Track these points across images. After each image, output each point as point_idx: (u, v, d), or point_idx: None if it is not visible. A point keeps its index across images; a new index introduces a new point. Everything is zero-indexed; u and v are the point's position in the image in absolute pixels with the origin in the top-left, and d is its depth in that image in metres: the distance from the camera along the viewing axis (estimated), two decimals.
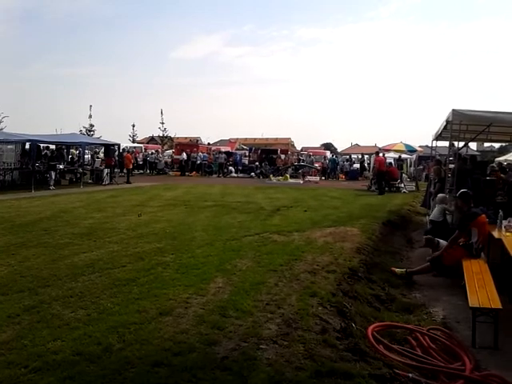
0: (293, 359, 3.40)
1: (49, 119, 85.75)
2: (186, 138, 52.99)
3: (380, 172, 19.24)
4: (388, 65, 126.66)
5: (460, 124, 9.41)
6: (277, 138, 66.94)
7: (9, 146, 22.17)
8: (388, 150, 24.86)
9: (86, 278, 5.39)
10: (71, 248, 7.05)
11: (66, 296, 4.73)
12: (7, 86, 76.39)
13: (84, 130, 41.90)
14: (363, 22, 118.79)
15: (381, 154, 21.57)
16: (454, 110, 8.14)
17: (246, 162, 34.88)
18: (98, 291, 4.90)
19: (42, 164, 20.80)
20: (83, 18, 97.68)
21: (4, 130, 29.83)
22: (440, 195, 9.30)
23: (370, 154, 34.77)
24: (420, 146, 27.47)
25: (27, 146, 21.18)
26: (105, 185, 21.63)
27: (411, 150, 25.81)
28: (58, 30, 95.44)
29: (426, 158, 23.86)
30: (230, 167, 32.50)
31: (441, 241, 7.07)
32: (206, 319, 4.13)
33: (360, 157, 34.36)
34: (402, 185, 21.21)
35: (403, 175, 22.65)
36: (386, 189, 19.65)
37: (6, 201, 13.71)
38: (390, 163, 23.41)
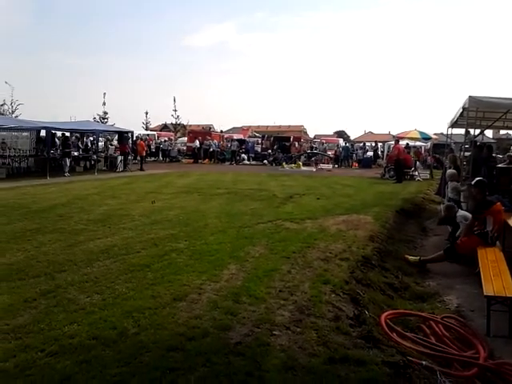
0: (306, 345, 3.42)
1: (63, 107, 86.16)
2: (198, 125, 53.07)
3: (398, 160, 19.07)
4: (403, 50, 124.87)
5: (476, 111, 9.27)
6: (289, 126, 66.76)
7: (24, 134, 22.45)
8: (402, 138, 24.54)
9: (101, 264, 5.46)
10: (86, 234, 7.13)
11: (82, 281, 4.80)
12: (22, 74, 76.81)
13: (98, 118, 42.08)
14: (376, 7, 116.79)
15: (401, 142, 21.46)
16: (470, 96, 8.01)
17: (259, 150, 34.80)
18: (112, 276, 4.96)
19: (57, 151, 21.00)
20: (96, 8, 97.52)
21: (19, 118, 30.10)
22: (449, 171, 9.22)
23: (383, 142, 34.47)
24: (435, 134, 27.03)
25: (42, 133, 21.40)
26: (119, 172, 21.81)
27: (426, 138, 25.42)
28: (72, 20, 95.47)
29: (441, 145, 23.50)
30: (243, 155, 32.47)
31: (461, 211, 7.05)
32: (219, 305, 4.16)
33: (373, 144, 34.04)
34: (416, 173, 20.99)
35: (417, 163, 22.39)
36: None
37: (22, 187, 13.90)
38: (409, 150, 23.09)
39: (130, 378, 2.89)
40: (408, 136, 24.79)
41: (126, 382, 2.87)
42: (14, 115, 35.09)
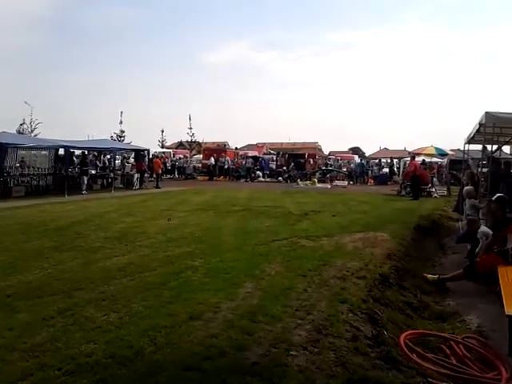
0: (324, 366, 3.36)
1: (81, 125, 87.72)
2: (213, 142, 53.55)
3: (415, 176, 18.92)
4: (417, 67, 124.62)
5: (493, 127, 9.17)
6: (304, 143, 66.93)
7: (42, 152, 22.87)
8: (418, 154, 24.40)
9: (117, 282, 5.48)
10: (103, 252, 7.19)
11: (99, 299, 4.81)
12: (40, 93, 78.61)
13: (115, 136, 42.74)
14: (391, 25, 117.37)
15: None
16: (487, 112, 7.94)
17: (274, 167, 34.88)
18: (129, 295, 4.97)
19: (75, 169, 21.34)
20: (112, 27, 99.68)
21: (38, 137, 30.74)
22: (466, 188, 9.09)
23: (399, 158, 34.28)
24: (452, 150, 26.83)
25: (60, 151, 21.78)
26: (135, 189, 22.04)
27: (442, 154, 25.30)
28: (89, 39, 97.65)
29: (458, 161, 23.30)
30: (258, 172, 32.56)
31: (483, 226, 6.94)
32: (235, 324, 4.13)
33: (389, 161, 33.88)
34: (433, 189, 20.77)
35: (434, 179, 22.19)
36: None
37: (41, 205, 14.11)
38: (425, 167, 22.91)
39: None
40: (424, 152, 24.67)
41: None
42: (33, 134, 35.89)
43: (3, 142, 16.72)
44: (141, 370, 3.23)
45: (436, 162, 28.06)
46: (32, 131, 37.40)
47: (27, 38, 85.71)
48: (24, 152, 21.58)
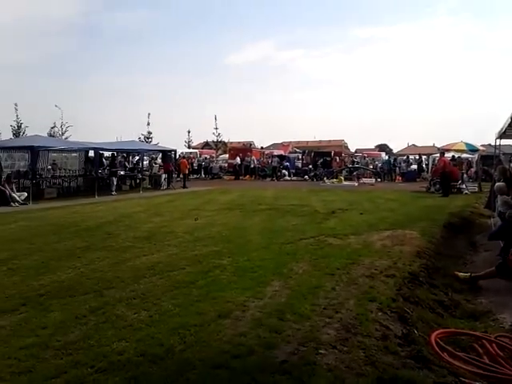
0: (353, 365, 3.34)
1: (110, 128, 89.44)
2: (239, 142, 53.76)
3: (444, 173, 18.55)
4: (445, 61, 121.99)
5: None
6: (330, 140, 66.35)
7: (73, 154, 23.44)
8: (448, 150, 23.87)
9: (147, 280, 5.57)
10: (133, 251, 7.32)
11: (129, 298, 4.91)
12: (70, 97, 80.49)
13: (142, 138, 43.38)
14: (418, 20, 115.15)
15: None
16: None
17: (300, 165, 34.75)
18: (159, 293, 5.05)
19: (104, 170, 21.79)
20: (139, 30, 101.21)
21: (69, 139, 31.50)
22: (498, 184, 8.84)
23: (427, 155, 33.65)
24: (482, 145, 26.17)
25: (90, 153, 22.28)
26: (162, 190, 22.34)
27: (473, 150, 24.67)
28: (116, 42, 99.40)
29: (489, 157, 22.71)
30: (284, 170, 32.49)
31: None
32: (263, 322, 4.14)
33: (417, 157, 33.28)
34: (464, 185, 20.30)
35: (464, 176, 21.67)
36: None
37: (72, 206, 14.48)
38: (455, 163, 22.41)
39: None
40: (454, 148, 24.12)
41: None
42: (63, 137, 36.80)
43: (35, 145, 17.18)
44: (171, 368, 3.28)
45: (466, 158, 27.39)
46: (63, 134, 38.41)
47: (56, 43, 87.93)
48: (55, 154, 22.16)
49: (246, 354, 3.50)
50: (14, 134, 36.83)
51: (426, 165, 31.61)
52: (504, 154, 16.15)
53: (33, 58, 73.96)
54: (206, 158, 37.44)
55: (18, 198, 15.48)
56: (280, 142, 61.85)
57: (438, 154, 23.63)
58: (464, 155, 26.26)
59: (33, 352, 3.58)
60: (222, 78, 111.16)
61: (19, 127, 37.26)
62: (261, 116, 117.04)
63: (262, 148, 45.49)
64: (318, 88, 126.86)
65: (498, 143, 13.23)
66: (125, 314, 4.43)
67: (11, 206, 14.86)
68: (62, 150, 21.40)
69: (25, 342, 3.78)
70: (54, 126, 38.90)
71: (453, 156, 24.60)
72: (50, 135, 36.94)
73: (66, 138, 34.47)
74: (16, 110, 37.10)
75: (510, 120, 8.93)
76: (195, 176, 33.72)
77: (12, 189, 15.73)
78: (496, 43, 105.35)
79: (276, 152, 40.10)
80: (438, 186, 19.23)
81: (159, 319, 4.26)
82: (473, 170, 26.53)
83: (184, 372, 3.22)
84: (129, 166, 24.82)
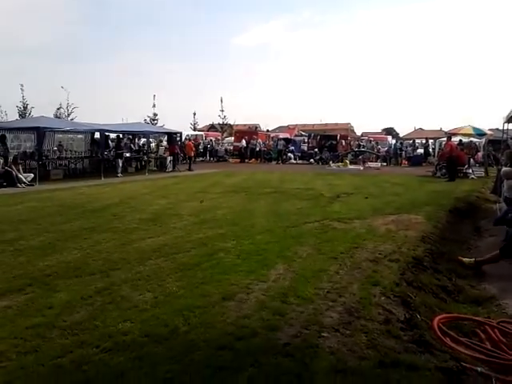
0: (355, 348, 3.37)
1: (116, 109, 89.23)
2: (245, 125, 53.40)
3: (451, 157, 18.42)
4: (452, 43, 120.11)
5: None
6: (336, 124, 65.92)
7: (79, 136, 23.46)
8: (455, 134, 23.63)
9: (152, 262, 5.62)
10: (138, 233, 7.36)
11: (135, 279, 4.96)
12: (77, 79, 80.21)
13: (148, 119, 43.22)
14: (422, 2, 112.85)
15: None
16: None
17: (305, 149, 34.60)
18: (163, 275, 5.10)
19: (110, 152, 21.81)
20: (144, 11, 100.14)
21: (74, 121, 31.48)
22: (505, 169, 8.79)
23: (434, 139, 33.34)
24: (490, 129, 25.84)
25: (96, 135, 22.28)
26: (168, 172, 22.35)
27: (480, 134, 24.38)
28: (121, 23, 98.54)
29: (496, 141, 22.48)
30: (289, 154, 32.38)
31: None
32: (267, 305, 4.18)
33: (424, 141, 33.00)
34: (470, 170, 20.16)
35: (471, 160, 21.50)
36: None
37: (78, 188, 14.55)
38: (462, 147, 22.21)
39: (182, 376, 2.96)
40: (461, 132, 23.86)
41: (178, 379, 2.94)
42: (69, 118, 36.74)
43: (41, 126, 17.18)
44: (176, 349, 3.32)
45: (475, 142, 27.10)
46: (69, 115, 38.31)
47: (64, 24, 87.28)
48: (61, 136, 22.20)
49: (249, 335, 3.54)
50: (19, 114, 36.79)
51: (432, 149, 31.36)
52: None
53: (39, 40, 73.55)
54: (210, 140, 37.28)
55: (24, 179, 15.56)
56: (286, 124, 61.60)
57: (445, 138, 23.39)
58: (473, 139, 25.98)
59: (39, 332, 3.63)
60: (229, 59, 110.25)
61: (25, 108, 37.20)
62: (267, 99, 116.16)
63: (267, 131, 45.14)
64: (324, 70, 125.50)
65: (505, 127, 13.08)
66: (130, 295, 4.48)
67: (18, 187, 14.94)
68: (67, 132, 21.41)
69: (31, 321, 3.84)
70: (60, 108, 38.82)
71: (460, 140, 24.40)
72: (56, 116, 36.86)
73: (72, 120, 34.40)
74: (22, 90, 36.95)
75: None
76: (201, 159, 33.66)
77: (19, 170, 15.80)
78: (503, 25, 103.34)
79: (282, 135, 39.95)
80: (444, 170, 19.11)
81: (164, 300, 4.31)
82: (480, 154, 26.28)
83: (188, 353, 3.26)
84: (134, 148, 24.82)
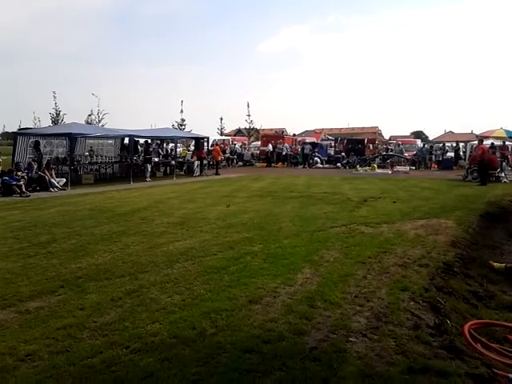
0: (383, 354, 3.33)
1: (145, 115, 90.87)
2: (271, 129, 53.59)
3: (482, 161, 17.99)
4: (482, 46, 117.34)
5: None
6: (363, 127, 65.41)
7: (109, 141, 23.97)
8: (487, 137, 23.10)
9: (180, 265, 5.69)
10: (166, 236, 7.46)
11: (163, 282, 5.03)
12: (107, 85, 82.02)
13: (176, 125, 43.78)
14: (457, 3, 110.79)
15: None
16: None
17: (332, 153, 34.37)
18: (191, 278, 5.15)
19: (139, 157, 22.20)
20: (173, 18, 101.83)
21: (105, 126, 32.18)
22: None
23: (465, 142, 32.62)
24: None
25: (125, 140, 22.71)
26: (195, 176, 22.57)
27: None
28: (150, 31, 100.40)
29: None
30: (316, 158, 32.21)
31: None
32: (294, 309, 4.18)
33: (454, 145, 32.31)
34: (503, 174, 19.63)
35: (503, 163, 20.94)
36: None
37: (108, 192, 14.86)
38: (494, 150, 21.64)
39: (209, 378, 2.99)
40: (493, 135, 23.33)
41: (205, 381, 2.97)
42: (100, 124, 37.60)
43: (73, 132, 17.64)
44: (203, 351, 3.36)
45: (507, 146, 26.36)
46: (99, 121, 39.23)
47: (93, 32, 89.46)
48: (92, 141, 22.73)
49: (276, 339, 3.54)
50: (52, 121, 37.88)
51: (463, 152, 30.66)
52: None
53: (72, 47, 75.75)
54: (234, 144, 37.38)
55: (57, 184, 15.99)
56: (312, 129, 61.37)
57: (476, 142, 22.87)
58: (507, 142, 25.31)
59: (70, 332, 3.73)
60: (256, 64, 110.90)
61: (58, 115, 38.27)
62: (293, 103, 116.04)
63: (294, 135, 45.20)
64: (352, 75, 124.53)
65: None
66: (158, 297, 4.55)
67: (51, 191, 15.37)
68: (98, 137, 21.90)
69: (62, 322, 3.94)
70: (91, 114, 39.80)
71: (492, 143, 23.80)
72: (88, 123, 37.80)
73: (103, 126, 35.19)
74: (54, 97, 38.08)
75: None
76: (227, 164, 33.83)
77: (51, 175, 16.26)
78: None
79: (308, 139, 39.78)
80: (475, 174, 18.66)
81: (191, 303, 4.35)
82: None
83: (215, 355, 3.29)
84: (163, 152, 25.18)
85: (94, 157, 21.93)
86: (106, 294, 4.64)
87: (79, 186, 17.11)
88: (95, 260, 6.01)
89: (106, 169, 21.83)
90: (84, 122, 36.04)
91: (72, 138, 17.81)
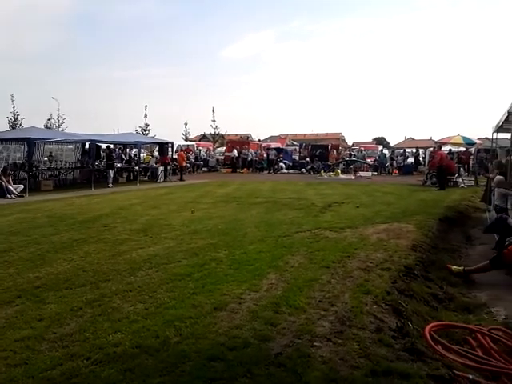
0: (347, 357, 3.37)
1: (107, 120, 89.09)
2: (236, 135, 53.64)
3: (441, 166, 18.59)
4: (443, 54, 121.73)
5: None
6: (327, 133, 66.39)
7: (69, 146, 23.35)
8: (445, 143, 23.90)
9: (143, 273, 5.58)
10: (129, 244, 7.32)
11: (126, 290, 4.92)
12: (67, 89, 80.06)
13: (140, 130, 43.17)
14: (416, 11, 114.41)
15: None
16: None
17: (297, 158, 34.73)
18: (155, 286, 5.06)
19: (101, 163, 21.74)
20: (136, 22, 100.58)
21: (65, 131, 31.37)
22: (496, 177, 8.91)
23: (425, 148, 33.65)
24: (479, 139, 26.15)
25: (87, 145, 22.20)
26: (159, 182, 22.29)
27: (470, 143, 24.71)
28: (112, 33, 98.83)
29: (486, 151, 22.77)
30: (281, 163, 32.47)
31: None
32: (259, 315, 4.17)
33: (414, 151, 33.28)
34: (460, 179, 20.36)
35: (461, 169, 21.72)
36: None
37: (68, 198, 14.47)
38: (452, 156, 22.42)
39: None
40: (451, 141, 24.15)
41: None
42: (60, 129, 36.63)
43: (32, 136, 17.10)
44: (167, 360, 3.29)
45: (470, 151, 27.30)
46: (59, 126, 38.21)
47: (55, 34, 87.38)
48: (52, 146, 22.09)
49: (241, 346, 3.52)
50: (10, 125, 36.62)
51: (422, 158, 31.62)
52: (501, 147, 16.15)
53: (31, 50, 73.53)
54: (199, 150, 37.21)
55: (14, 191, 15.44)
56: (277, 134, 61.83)
57: (436, 148, 23.62)
58: (461, 148, 26.23)
59: (28, 344, 3.59)
60: (220, 70, 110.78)
61: (16, 119, 37.02)
62: (258, 109, 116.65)
63: (259, 141, 45.33)
64: (315, 81, 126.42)
65: (494, 137, 13.25)
66: (121, 306, 4.45)
67: (8, 198, 14.82)
68: (58, 142, 21.31)
69: (20, 334, 3.79)
70: (51, 118, 38.73)
71: (450, 150, 24.65)
72: (47, 127, 36.74)
73: (63, 130, 34.29)
74: (13, 101, 36.82)
75: (506, 114, 8.93)
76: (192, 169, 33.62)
77: (8, 181, 15.68)
78: (495, 35, 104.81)
79: (273, 145, 40.08)
80: (434, 179, 19.27)
81: (155, 311, 4.28)
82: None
83: (179, 364, 3.24)
84: (126, 158, 24.77)
85: (54, 162, 21.31)
86: (65, 304, 4.49)
87: (38, 192, 16.57)
88: (54, 269, 5.82)
89: (66, 175, 21.24)
90: (43, 127, 35.01)
91: (30, 143, 17.24)
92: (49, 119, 38.86)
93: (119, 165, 22.23)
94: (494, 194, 9.22)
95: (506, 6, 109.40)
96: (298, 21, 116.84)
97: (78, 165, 22.49)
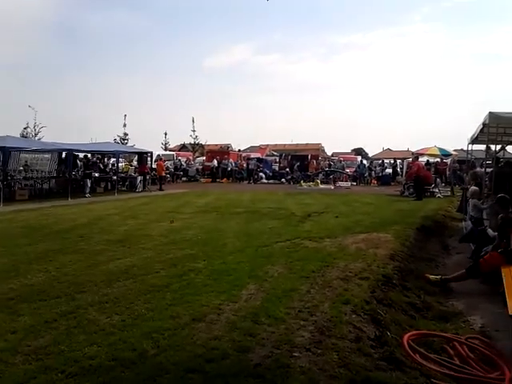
0: (327, 367, 3.36)
1: (85, 129, 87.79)
2: (216, 145, 53.52)
3: (418, 177, 18.87)
4: (420, 67, 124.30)
5: (497, 127, 9.16)
6: (307, 144, 66.74)
7: (45, 155, 22.90)
8: (422, 154, 24.29)
9: (120, 284, 5.49)
10: (106, 254, 7.20)
11: (102, 302, 4.83)
12: (44, 97, 78.88)
13: (118, 139, 42.76)
14: (395, 27, 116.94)
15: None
16: (490, 112, 7.93)
17: (277, 168, 34.85)
18: (132, 297, 4.98)
19: (78, 172, 21.40)
20: (116, 30, 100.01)
21: (42, 140, 30.85)
22: (471, 188, 9.10)
23: (402, 159, 34.14)
24: (455, 150, 26.68)
25: (63, 155, 21.84)
26: (138, 192, 22.06)
27: (446, 154, 25.14)
28: (92, 42, 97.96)
29: (461, 162, 23.25)
30: (261, 173, 32.52)
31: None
32: (238, 326, 4.13)
33: (392, 161, 33.76)
34: (437, 189, 20.71)
35: (437, 180, 22.11)
36: None
37: (44, 208, 14.17)
38: (429, 167, 22.79)
39: None
40: (428, 153, 24.54)
41: None
42: (36, 138, 35.99)
43: (7, 145, 16.74)
44: (144, 373, 3.23)
45: (446, 162, 27.77)
46: (36, 135, 37.55)
47: (31, 43, 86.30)
48: (27, 155, 21.62)
49: (220, 357, 3.48)
50: None
51: (400, 169, 32.07)
52: (476, 158, 16.54)
53: (5, 57, 72.19)
54: (179, 159, 37.01)
55: None
56: (257, 144, 62.02)
57: (413, 158, 23.99)
58: (437, 159, 26.70)
59: (1, 357, 3.49)
60: (200, 80, 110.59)
61: None
62: (238, 119, 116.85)
63: (239, 151, 45.33)
64: (295, 92, 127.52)
65: (470, 148, 13.55)
66: (97, 318, 4.36)
67: None
68: (34, 151, 20.91)
69: None
70: (27, 127, 38.06)
71: (427, 160, 25.07)
72: (23, 136, 36.05)
73: (39, 139, 33.71)
74: None
75: (481, 126, 9.15)
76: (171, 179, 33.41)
77: None
78: (470, 49, 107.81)
79: (253, 155, 40.15)
80: (411, 189, 19.56)
81: (132, 323, 4.20)
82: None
83: (157, 376, 3.18)
84: (103, 167, 24.45)
85: (30, 171, 20.87)
86: (40, 316, 4.38)
87: (12, 202, 16.18)
88: (28, 280, 5.68)
89: (41, 184, 20.80)
90: (19, 136, 34.36)
91: (5, 152, 16.87)
92: (25, 128, 38.20)
93: (97, 174, 21.91)
94: (469, 205, 9.40)
95: (481, 21, 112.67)
96: (277, 34, 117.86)
97: (55, 174, 22.09)
